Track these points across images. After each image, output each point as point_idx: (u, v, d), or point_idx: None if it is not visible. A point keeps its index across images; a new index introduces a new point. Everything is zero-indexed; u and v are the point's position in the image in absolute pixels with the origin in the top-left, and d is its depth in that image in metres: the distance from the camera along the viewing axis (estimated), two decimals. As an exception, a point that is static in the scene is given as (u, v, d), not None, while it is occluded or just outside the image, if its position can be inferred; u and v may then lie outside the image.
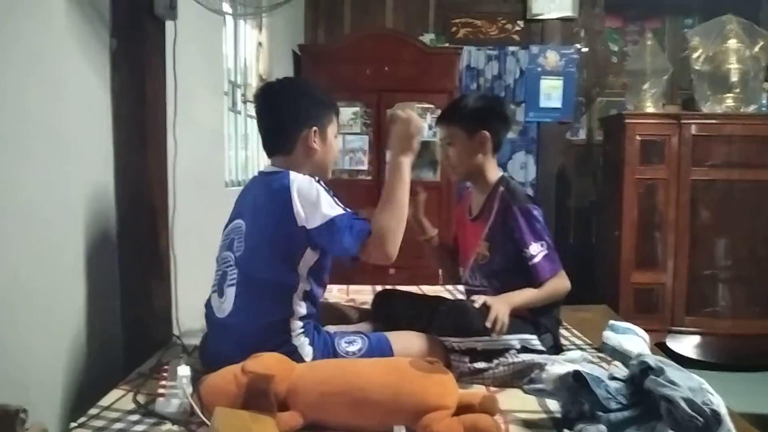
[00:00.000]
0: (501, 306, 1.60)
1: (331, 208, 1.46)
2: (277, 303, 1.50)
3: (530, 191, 4.43)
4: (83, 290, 1.60)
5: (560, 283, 1.76)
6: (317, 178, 1.53)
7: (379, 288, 2.68)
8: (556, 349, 1.78)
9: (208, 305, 1.61)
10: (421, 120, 1.62)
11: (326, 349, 1.54)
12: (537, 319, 1.74)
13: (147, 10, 1.73)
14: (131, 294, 1.75)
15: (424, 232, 2.00)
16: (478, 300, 1.61)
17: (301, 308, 1.53)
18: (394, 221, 1.47)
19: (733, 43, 3.67)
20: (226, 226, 1.65)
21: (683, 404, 1.17)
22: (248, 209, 1.58)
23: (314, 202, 1.46)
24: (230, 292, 1.53)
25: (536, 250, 1.72)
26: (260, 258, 1.50)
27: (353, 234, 1.44)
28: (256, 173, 1.74)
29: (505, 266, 1.78)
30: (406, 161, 1.55)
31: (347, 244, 1.44)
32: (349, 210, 1.49)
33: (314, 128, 1.59)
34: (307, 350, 1.52)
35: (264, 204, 1.53)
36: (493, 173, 1.87)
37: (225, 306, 1.53)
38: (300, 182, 1.49)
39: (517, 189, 1.85)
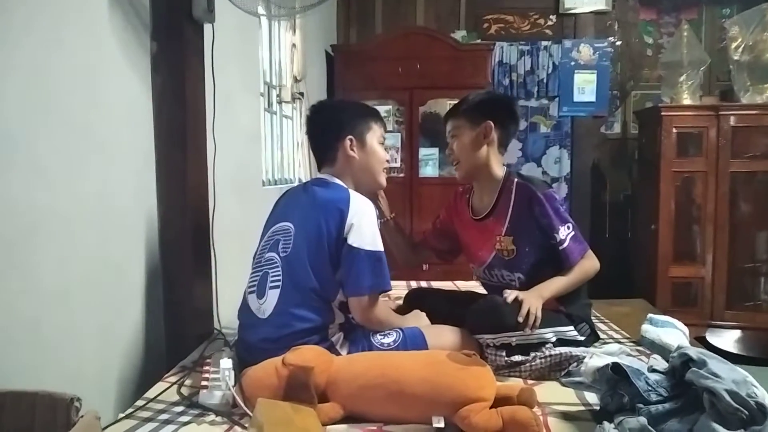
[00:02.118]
0: (533, 300, 1.60)
1: (374, 240, 1.54)
2: (317, 310, 1.52)
3: (565, 186, 4.39)
4: (129, 287, 1.66)
5: (590, 263, 1.75)
6: (377, 212, 1.62)
7: (413, 283, 2.71)
8: (594, 336, 1.77)
9: (244, 306, 1.62)
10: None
11: (361, 342, 1.57)
12: (568, 311, 1.73)
13: (186, 13, 1.77)
14: (174, 290, 1.80)
15: (382, 213, 2.00)
16: (510, 295, 1.60)
17: (339, 317, 1.56)
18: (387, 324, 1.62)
19: (774, 31, 3.58)
20: (268, 226, 1.68)
21: (727, 396, 1.15)
22: (299, 213, 1.61)
23: (367, 224, 1.53)
24: (272, 294, 1.54)
25: (564, 233, 1.71)
26: (306, 262, 1.52)
27: (376, 277, 1.52)
28: (296, 180, 1.78)
29: (535, 258, 1.76)
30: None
31: (366, 282, 1.51)
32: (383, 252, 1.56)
33: (350, 137, 1.67)
34: (342, 344, 1.55)
35: (318, 211, 1.56)
36: (499, 168, 1.85)
37: (265, 307, 1.54)
38: (360, 199, 1.58)
39: (533, 177, 1.85)
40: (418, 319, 1.74)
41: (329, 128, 1.69)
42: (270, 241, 1.63)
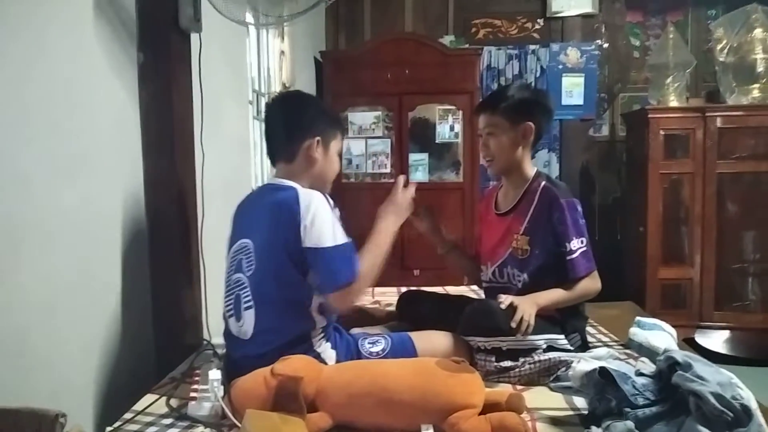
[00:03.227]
0: (527, 306, 1.59)
1: (333, 234, 1.49)
2: (296, 319, 1.51)
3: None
4: (117, 297, 1.65)
5: (592, 284, 1.73)
6: (329, 201, 1.55)
7: (404, 289, 2.71)
8: (585, 348, 1.77)
9: (227, 330, 1.59)
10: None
11: (349, 351, 1.56)
12: (565, 320, 1.73)
13: (172, 23, 1.77)
14: (163, 300, 1.79)
15: (443, 244, 2.00)
16: (505, 300, 1.60)
17: (319, 321, 1.54)
18: (374, 271, 1.57)
19: (759, 32, 3.62)
20: (230, 246, 1.63)
21: (712, 399, 1.16)
22: (254, 226, 1.56)
23: (321, 221, 1.48)
24: (248, 315, 1.51)
25: (576, 246, 1.70)
26: (272, 275, 1.50)
27: (346, 268, 1.48)
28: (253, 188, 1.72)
29: (543, 262, 1.75)
30: (395, 227, 1.67)
31: (339, 277, 1.47)
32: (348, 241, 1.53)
33: (317, 138, 1.61)
34: (329, 354, 1.54)
35: (271, 220, 1.52)
36: (530, 168, 1.85)
37: (245, 329, 1.52)
38: (307, 196, 1.51)
39: (560, 183, 1.84)
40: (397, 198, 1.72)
41: (297, 123, 1.62)
42: (234, 261, 1.58)
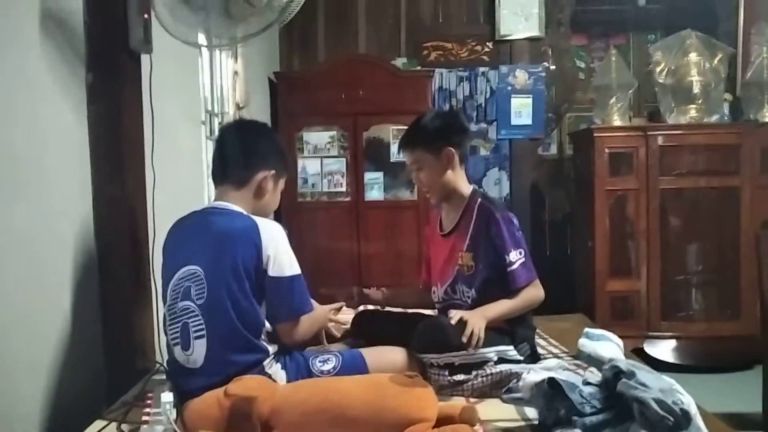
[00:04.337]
0: (477, 320, 1.63)
1: (292, 264, 1.53)
2: (249, 349, 1.49)
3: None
4: (66, 321, 1.62)
5: (535, 292, 1.80)
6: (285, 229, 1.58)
7: (361, 308, 2.71)
8: (534, 357, 1.82)
9: (172, 359, 1.54)
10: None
11: (299, 371, 1.56)
12: (513, 330, 1.77)
13: (122, 44, 1.76)
14: (113, 323, 1.76)
15: (383, 302, 2.11)
16: (455, 315, 1.64)
17: (271, 348, 1.54)
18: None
19: (693, 56, 3.80)
20: (170, 272, 1.56)
21: (654, 405, 1.21)
22: (204, 253, 1.51)
23: (283, 251, 1.52)
24: (199, 345, 1.47)
25: (515, 257, 1.76)
26: (227, 305, 1.46)
27: (300, 300, 1.54)
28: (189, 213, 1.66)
29: (487, 276, 1.80)
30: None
31: (292, 308, 1.53)
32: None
33: (272, 172, 1.63)
34: (280, 375, 1.53)
35: (228, 246, 1.48)
36: (465, 187, 1.91)
37: (194, 358, 1.47)
38: (268, 225, 1.53)
39: (495, 199, 1.93)
40: (321, 310, 1.76)
41: (259, 152, 1.63)
42: (179, 288, 1.51)
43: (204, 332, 1.47)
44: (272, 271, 1.49)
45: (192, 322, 1.48)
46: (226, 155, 1.65)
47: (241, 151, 1.62)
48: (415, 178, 1.95)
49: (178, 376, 1.52)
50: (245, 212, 1.57)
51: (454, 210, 1.92)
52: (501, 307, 1.74)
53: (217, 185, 1.67)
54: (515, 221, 1.82)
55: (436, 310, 2.02)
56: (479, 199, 1.86)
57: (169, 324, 1.54)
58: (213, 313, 1.47)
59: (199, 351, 1.47)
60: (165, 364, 1.65)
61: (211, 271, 1.49)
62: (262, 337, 1.52)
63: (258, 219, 1.54)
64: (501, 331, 1.74)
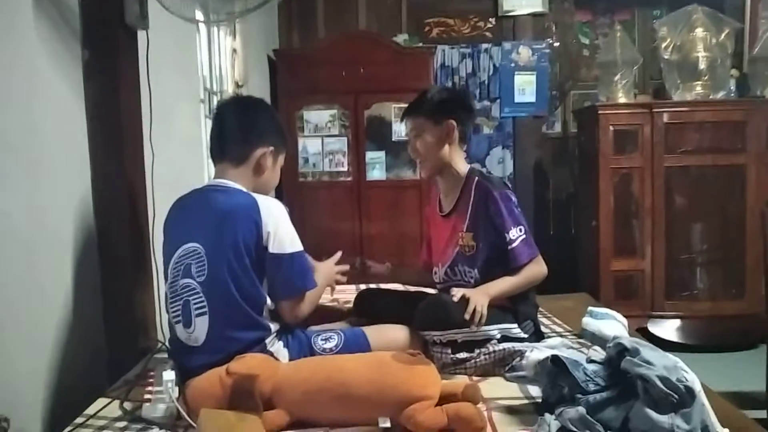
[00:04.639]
0: (479, 297, 1.62)
1: (293, 241, 1.52)
2: (251, 326, 1.49)
3: (509, 185, 4.47)
4: (66, 301, 1.61)
5: (537, 268, 1.79)
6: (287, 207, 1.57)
7: (363, 286, 2.71)
8: (538, 334, 1.82)
9: (174, 336, 1.55)
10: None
11: (302, 349, 1.55)
12: (516, 308, 1.77)
13: (118, 20, 1.73)
14: (114, 302, 1.75)
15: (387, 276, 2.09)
16: (457, 293, 1.63)
17: (273, 326, 1.54)
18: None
19: (699, 32, 3.74)
20: (171, 249, 1.56)
21: (658, 382, 1.20)
22: (204, 230, 1.50)
23: (284, 228, 1.51)
24: (200, 322, 1.47)
25: (515, 235, 1.75)
26: (228, 281, 1.46)
27: (301, 277, 1.53)
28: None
29: (488, 255, 1.80)
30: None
31: (293, 285, 1.52)
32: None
33: (270, 149, 1.62)
34: (282, 353, 1.53)
35: (228, 223, 1.48)
36: (462, 165, 1.90)
37: (196, 336, 1.47)
38: (268, 202, 1.53)
39: (492, 177, 1.91)
40: (321, 271, 1.72)
41: (256, 128, 1.62)
42: (180, 266, 1.52)
43: (205, 309, 1.47)
44: (272, 248, 1.48)
45: (193, 299, 1.48)
46: (224, 133, 1.64)
47: (238, 128, 1.61)
48: (411, 147, 1.92)
49: (179, 354, 1.53)
50: (245, 189, 1.56)
51: (453, 190, 1.90)
52: (504, 284, 1.73)
53: (216, 163, 1.67)
54: (513, 198, 1.81)
55: (438, 291, 2.01)
56: (476, 178, 1.84)
57: (171, 302, 1.54)
58: (214, 290, 1.47)
59: (200, 328, 1.47)
60: (167, 343, 1.65)
61: (212, 248, 1.48)
62: (264, 314, 1.52)
63: (258, 196, 1.53)
64: (504, 309, 1.74)
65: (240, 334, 1.47)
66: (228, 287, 1.46)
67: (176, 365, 1.51)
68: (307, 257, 1.56)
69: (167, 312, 1.59)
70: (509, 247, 1.74)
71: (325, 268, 1.74)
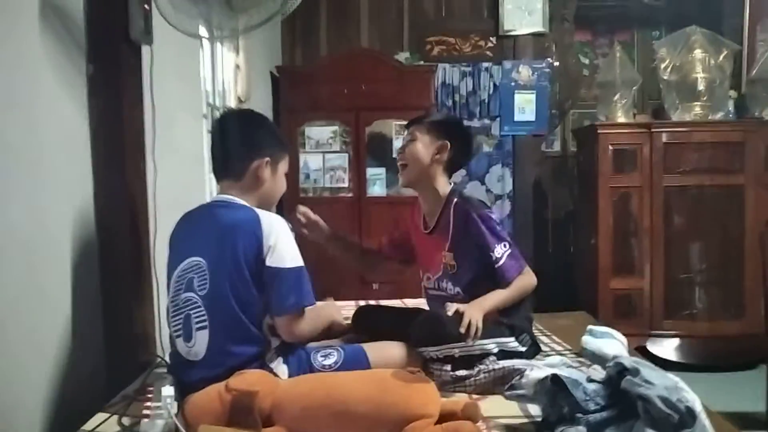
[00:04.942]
0: (474, 311, 1.63)
1: (294, 257, 1.51)
2: (250, 341, 1.49)
3: (508, 203, 4.49)
4: (66, 315, 1.61)
5: (527, 279, 1.81)
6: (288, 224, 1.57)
7: (362, 303, 2.70)
8: (535, 347, 1.82)
9: (174, 351, 1.56)
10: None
11: (301, 365, 1.55)
12: (511, 323, 1.77)
13: (123, 35, 1.75)
14: (114, 317, 1.75)
15: (324, 236, 2.01)
16: (451, 307, 1.64)
17: (273, 342, 1.54)
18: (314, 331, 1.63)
19: (698, 53, 3.78)
20: (174, 264, 1.57)
21: (659, 402, 1.19)
22: (207, 245, 1.52)
23: (284, 243, 1.50)
24: (201, 336, 1.47)
25: (500, 252, 1.76)
26: (229, 296, 1.46)
27: (298, 293, 1.50)
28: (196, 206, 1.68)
29: (473, 274, 1.82)
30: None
31: (289, 301, 1.50)
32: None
33: (266, 159, 1.61)
34: (281, 369, 1.52)
35: (229, 238, 1.49)
36: (444, 186, 1.91)
37: (196, 350, 1.48)
38: (270, 217, 1.53)
39: (471, 197, 1.93)
40: (330, 308, 1.76)
41: (248, 142, 1.62)
42: (182, 280, 1.53)
43: (206, 323, 1.47)
44: (270, 261, 1.48)
45: (194, 313, 1.49)
46: (219, 151, 1.66)
47: (230, 146, 1.62)
48: (400, 151, 1.94)
49: (179, 368, 1.53)
50: (248, 204, 1.57)
51: (434, 209, 1.92)
52: (496, 297, 1.75)
53: (218, 180, 1.68)
54: (493, 216, 1.83)
55: (426, 298, 2.04)
56: (455, 200, 1.86)
57: (172, 316, 1.55)
58: (215, 303, 1.47)
59: (200, 342, 1.47)
60: (167, 357, 1.65)
61: (214, 262, 1.49)
62: (264, 329, 1.52)
63: (260, 212, 1.54)
64: (498, 324, 1.74)
65: (240, 349, 1.47)
66: (228, 301, 1.46)
67: (175, 380, 1.50)
68: (306, 275, 1.54)
69: (168, 326, 1.58)
70: (496, 266, 1.76)
71: (324, 309, 1.75)
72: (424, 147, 1.87)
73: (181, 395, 1.40)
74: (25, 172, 1.44)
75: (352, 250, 2.15)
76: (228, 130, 1.65)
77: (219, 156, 1.66)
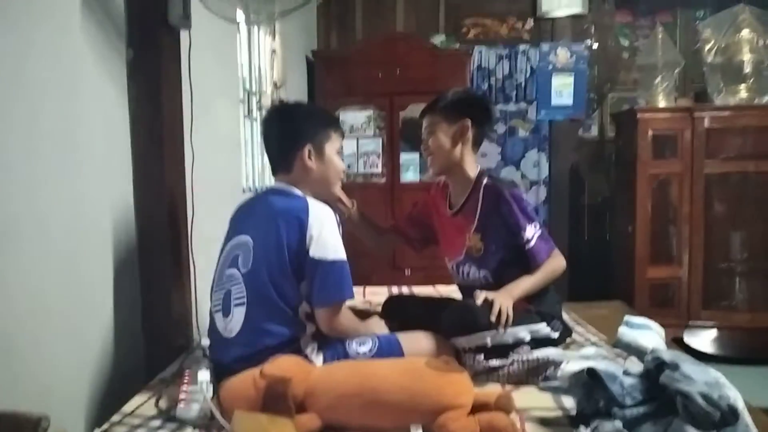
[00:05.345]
0: (503, 299, 1.63)
1: (336, 249, 1.53)
2: (285, 322, 1.51)
3: (544, 189, 4.43)
4: (105, 299, 1.64)
5: (556, 262, 1.79)
6: (336, 217, 1.58)
7: (395, 288, 2.71)
8: (567, 331, 1.81)
9: (212, 326, 1.60)
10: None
11: (336, 351, 1.56)
12: (540, 309, 1.76)
13: (161, 20, 1.76)
14: (152, 301, 1.78)
15: (341, 210, 1.99)
16: (480, 296, 1.64)
17: (309, 327, 1.55)
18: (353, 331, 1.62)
19: (746, 33, 3.65)
20: (226, 241, 1.64)
21: (699, 399, 1.17)
22: (256, 225, 1.58)
23: (327, 234, 1.52)
24: (238, 312, 1.51)
25: (531, 233, 1.75)
26: (269, 276, 1.50)
27: (338, 287, 1.52)
28: (259, 190, 1.74)
29: (501, 257, 1.80)
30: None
31: (329, 293, 1.51)
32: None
33: (308, 147, 1.63)
34: (316, 355, 1.54)
35: (277, 222, 1.53)
36: (473, 168, 1.89)
37: (232, 326, 1.52)
38: (319, 207, 1.55)
39: (502, 178, 1.92)
40: (378, 325, 1.76)
41: (287, 135, 1.65)
42: (229, 256, 1.59)
43: (244, 299, 1.51)
44: (313, 252, 1.50)
45: (235, 288, 1.54)
46: (267, 149, 1.72)
47: (274, 141, 1.68)
48: (423, 144, 1.92)
49: (215, 346, 1.56)
50: (302, 193, 1.61)
51: (462, 191, 1.90)
52: (526, 283, 1.74)
53: (274, 175, 1.72)
54: (524, 196, 1.82)
55: (457, 287, 2.02)
56: (485, 180, 1.84)
57: (215, 290, 1.61)
58: (254, 282, 1.51)
59: (237, 318, 1.51)
60: (205, 335, 1.67)
61: (260, 242, 1.54)
62: (300, 314, 1.54)
63: (311, 201, 1.57)
64: (528, 312, 1.73)
65: (274, 328, 1.49)
66: (266, 281, 1.50)
67: (211, 361, 1.53)
68: (347, 270, 1.54)
69: (210, 300, 1.63)
70: (527, 247, 1.74)
71: (375, 324, 1.78)
72: (444, 135, 1.85)
73: (216, 379, 1.42)
74: (68, 154, 1.47)
75: (369, 228, 2.12)
76: (269, 128, 1.70)
77: (268, 154, 1.71)
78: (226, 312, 1.54)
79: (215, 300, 1.60)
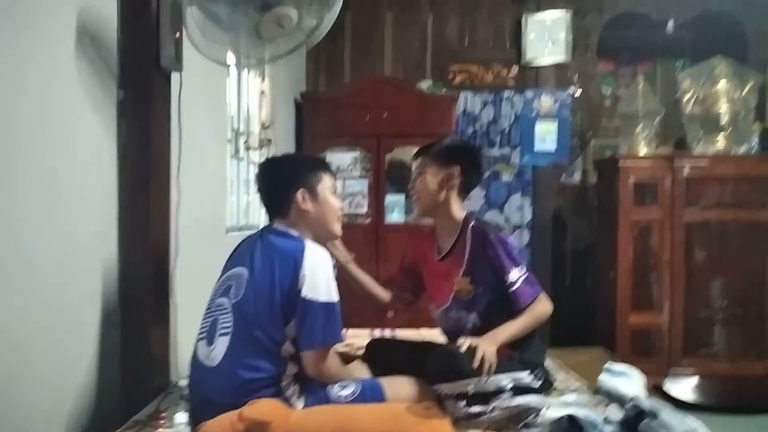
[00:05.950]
0: (487, 345, 1.62)
1: (328, 291, 1.54)
2: (268, 359, 1.50)
3: (527, 233, 4.47)
4: (84, 337, 1.62)
5: (542, 306, 1.79)
6: (334, 262, 1.62)
7: (377, 332, 2.70)
8: (549, 383, 1.80)
9: (194, 355, 1.60)
10: None
11: (318, 395, 1.55)
12: (525, 358, 1.76)
13: (153, 62, 1.79)
14: (131, 340, 1.76)
15: (338, 261, 1.99)
16: (464, 343, 1.63)
17: (291, 368, 1.54)
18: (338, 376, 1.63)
19: (723, 84, 3.75)
20: (224, 272, 1.68)
21: (677, 449, 1.18)
22: (253, 260, 1.60)
23: (320, 274, 1.53)
24: (221, 341, 1.52)
25: (516, 276, 1.76)
26: (255, 309, 1.51)
27: (327, 330, 1.52)
28: (260, 226, 1.77)
29: (489, 299, 1.81)
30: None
31: (318, 336, 1.51)
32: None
33: (301, 191, 1.67)
34: (297, 398, 1.53)
35: (273, 259, 1.56)
36: (459, 211, 1.92)
37: (214, 354, 1.52)
38: (315, 249, 1.58)
39: (488, 221, 1.95)
40: (359, 369, 1.77)
41: (280, 183, 1.70)
42: (222, 286, 1.62)
43: (230, 330, 1.52)
44: (305, 292, 1.51)
45: (222, 317, 1.55)
46: (264, 202, 1.77)
47: (270, 193, 1.73)
48: (411, 185, 1.96)
49: (194, 374, 1.56)
50: (298, 235, 1.64)
51: (449, 235, 1.93)
52: (509, 329, 1.73)
53: (271, 220, 1.75)
54: (509, 240, 1.84)
55: (440, 332, 2.02)
56: (472, 223, 1.87)
57: (203, 318, 1.61)
58: (241, 313, 1.52)
59: (220, 347, 1.51)
60: (181, 380, 1.65)
61: (254, 276, 1.56)
62: (283, 353, 1.53)
63: (308, 243, 1.59)
64: (512, 359, 1.73)
65: (255, 362, 1.49)
66: (253, 314, 1.51)
67: (190, 398, 1.53)
68: (338, 312, 1.55)
69: (198, 329, 1.62)
70: (511, 290, 1.75)
71: (360, 370, 1.80)
72: (432, 177, 1.90)
73: (192, 411, 1.40)
74: (56, 193, 1.47)
75: (363, 280, 2.10)
76: (262, 181, 1.75)
77: (266, 205, 1.76)
78: (210, 340, 1.54)
79: (201, 327, 1.61)
